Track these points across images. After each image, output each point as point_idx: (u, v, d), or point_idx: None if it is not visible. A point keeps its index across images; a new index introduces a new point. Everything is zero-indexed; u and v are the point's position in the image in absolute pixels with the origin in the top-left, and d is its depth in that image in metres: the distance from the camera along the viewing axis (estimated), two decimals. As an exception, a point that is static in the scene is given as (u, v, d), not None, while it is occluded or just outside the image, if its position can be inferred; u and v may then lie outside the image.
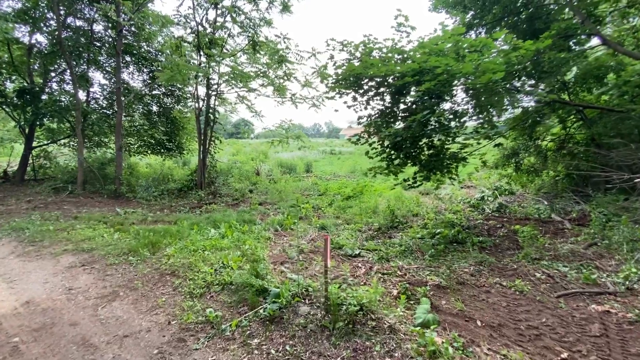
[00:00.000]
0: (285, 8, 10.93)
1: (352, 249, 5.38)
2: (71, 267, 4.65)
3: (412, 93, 6.07)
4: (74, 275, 4.37)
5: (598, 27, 7.91)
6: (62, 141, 13.38)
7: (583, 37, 8.62)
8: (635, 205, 6.68)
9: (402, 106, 6.72)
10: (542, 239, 5.74)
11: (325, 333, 2.94)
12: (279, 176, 14.57)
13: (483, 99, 5.25)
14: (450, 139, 6.25)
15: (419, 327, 2.86)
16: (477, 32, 9.19)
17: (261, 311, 3.27)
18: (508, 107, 6.08)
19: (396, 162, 6.40)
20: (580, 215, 7.50)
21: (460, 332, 3.04)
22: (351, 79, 6.58)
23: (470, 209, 9.13)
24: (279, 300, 3.29)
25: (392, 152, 6.16)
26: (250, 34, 10.82)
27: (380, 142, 6.30)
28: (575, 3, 8.62)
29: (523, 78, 7.28)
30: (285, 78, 9.84)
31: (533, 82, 7.71)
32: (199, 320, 3.19)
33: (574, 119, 9.03)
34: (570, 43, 8.92)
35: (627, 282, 4.03)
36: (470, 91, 5.32)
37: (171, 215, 8.41)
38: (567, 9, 9.88)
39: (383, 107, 6.84)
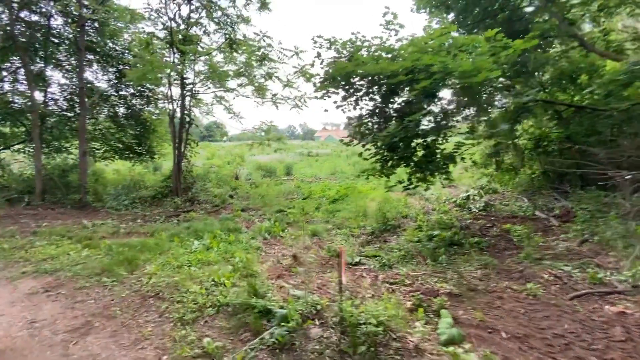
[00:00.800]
0: (264, 5, 10.49)
1: (352, 256, 5.07)
2: (32, 294, 3.98)
3: (406, 92, 5.88)
4: (37, 304, 3.73)
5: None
6: (17, 147, 12.08)
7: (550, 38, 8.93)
8: (616, 201, 6.89)
9: (394, 106, 6.54)
10: (536, 238, 5.72)
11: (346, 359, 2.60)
12: (259, 180, 14.03)
13: (479, 97, 5.15)
14: (442, 138, 6.13)
15: (451, 347, 2.58)
16: (462, 33, 9.25)
17: (267, 337, 2.87)
18: (489, 107, 6.04)
19: (390, 163, 6.18)
20: (563, 212, 7.63)
21: (489, 346, 2.80)
22: (338, 78, 6.31)
23: (456, 208, 9.12)
24: (288, 324, 2.90)
25: (387, 153, 5.93)
26: (227, 32, 10.27)
27: (374, 143, 6.06)
28: (552, 7, 8.92)
29: (501, 79, 7.36)
30: (267, 77, 9.39)
31: (509, 81, 7.83)
32: (196, 354, 2.74)
33: (549, 119, 9.30)
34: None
35: (632, 280, 4.01)
36: (467, 90, 5.21)
37: (146, 225, 7.71)
38: (541, 12, 10.26)
39: (373, 107, 6.62)
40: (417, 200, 10.17)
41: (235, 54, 10.39)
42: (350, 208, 8.97)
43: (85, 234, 6.56)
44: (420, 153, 6.24)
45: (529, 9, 9.96)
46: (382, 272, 4.63)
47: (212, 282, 4.02)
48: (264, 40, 9.40)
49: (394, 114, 6.45)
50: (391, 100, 6.29)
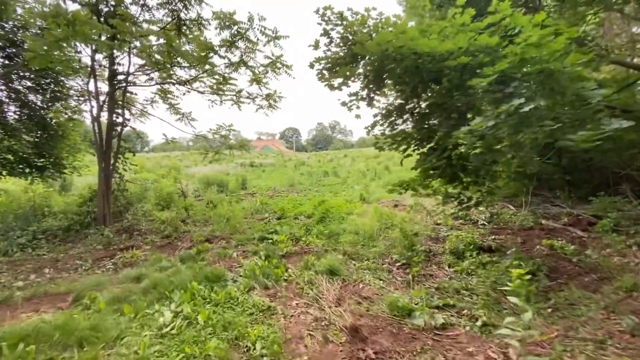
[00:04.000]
0: (221, -19, 8.40)
1: (431, 315, 3.39)
2: None
3: (455, 78, 4.54)
4: None
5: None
6: None
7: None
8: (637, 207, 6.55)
9: (424, 99, 5.18)
10: (610, 259, 4.82)
11: None
12: (213, 196, 11.45)
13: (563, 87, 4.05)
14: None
15: None
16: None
17: None
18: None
19: (433, 172, 4.75)
20: (573, 220, 7.15)
21: None
22: (374, 57, 4.73)
23: (460, 221, 8.15)
24: None
25: (439, 161, 4.48)
26: (176, 9, 7.88)
27: (417, 147, 4.56)
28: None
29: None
30: (239, 65, 7.25)
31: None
32: None
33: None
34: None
35: None
36: (546, 76, 4.06)
37: (62, 279, 4.95)
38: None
39: (404, 100, 5.17)
40: (411, 212, 8.98)
41: (182, 39, 8.02)
42: (347, 228, 7.32)
43: (-58, 314, 3.68)
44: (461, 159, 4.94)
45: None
46: (485, 337, 3.08)
47: None
48: (227, 18, 7.24)
49: (428, 110, 5.08)
50: (428, 89, 4.89)
